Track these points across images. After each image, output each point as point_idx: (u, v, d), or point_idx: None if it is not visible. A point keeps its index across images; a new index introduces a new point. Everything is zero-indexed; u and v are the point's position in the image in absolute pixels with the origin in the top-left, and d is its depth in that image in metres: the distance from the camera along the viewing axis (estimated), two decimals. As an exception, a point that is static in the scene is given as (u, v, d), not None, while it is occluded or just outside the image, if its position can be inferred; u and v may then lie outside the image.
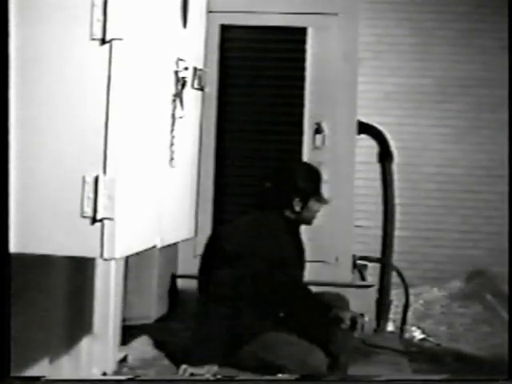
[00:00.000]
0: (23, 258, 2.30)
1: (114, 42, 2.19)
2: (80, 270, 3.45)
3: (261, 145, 4.84)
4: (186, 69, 2.67)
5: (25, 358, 2.90)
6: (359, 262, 4.96)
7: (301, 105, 4.76)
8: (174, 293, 4.78)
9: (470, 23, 6.88)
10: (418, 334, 5.22)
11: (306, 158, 4.75)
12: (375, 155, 5.13)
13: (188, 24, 2.70)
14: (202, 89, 2.85)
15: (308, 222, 3.80)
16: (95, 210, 2.19)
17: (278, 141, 4.82)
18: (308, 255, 3.93)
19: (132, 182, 2.30)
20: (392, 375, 3.80)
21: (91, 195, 2.19)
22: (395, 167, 5.17)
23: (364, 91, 5.65)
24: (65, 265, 3.24)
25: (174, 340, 4.15)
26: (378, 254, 5.11)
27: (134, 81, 2.27)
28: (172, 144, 2.61)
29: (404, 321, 5.12)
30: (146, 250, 2.50)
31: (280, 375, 3.42)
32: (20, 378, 2.65)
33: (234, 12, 4.73)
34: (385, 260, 5.07)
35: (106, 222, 2.19)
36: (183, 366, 3.56)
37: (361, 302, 4.75)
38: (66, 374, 3.33)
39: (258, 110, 4.85)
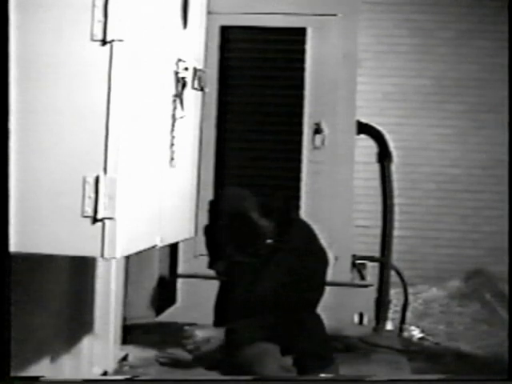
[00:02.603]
0: (23, 257, 2.31)
1: (114, 43, 2.20)
2: (81, 269, 3.47)
3: (261, 145, 4.85)
4: (186, 69, 2.68)
5: (25, 358, 2.91)
6: (358, 261, 4.98)
7: (300, 105, 4.76)
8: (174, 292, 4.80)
9: (469, 24, 6.89)
10: (416, 333, 5.23)
11: (305, 157, 4.76)
12: (374, 155, 5.14)
13: (188, 25, 2.71)
14: (202, 89, 2.86)
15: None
16: (96, 210, 2.20)
17: (277, 141, 4.83)
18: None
19: (132, 181, 2.31)
20: (391, 374, 3.82)
21: (92, 195, 2.20)
22: (394, 167, 5.18)
23: (363, 91, 5.66)
24: (65, 264, 3.25)
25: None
26: (377, 254, 5.12)
27: (134, 81, 2.28)
28: (172, 144, 2.62)
29: (403, 320, 5.13)
30: (146, 250, 2.51)
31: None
32: (20, 377, 2.66)
33: (233, 13, 4.74)
34: (384, 259, 5.08)
35: (106, 221, 2.20)
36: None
37: (360, 301, 4.77)
38: (67, 373, 3.34)
39: (258, 110, 4.85)
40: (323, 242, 3.80)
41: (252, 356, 3.47)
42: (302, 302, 3.65)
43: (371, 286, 4.92)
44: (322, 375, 3.46)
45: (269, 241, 3.53)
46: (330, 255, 3.82)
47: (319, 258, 3.75)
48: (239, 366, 3.48)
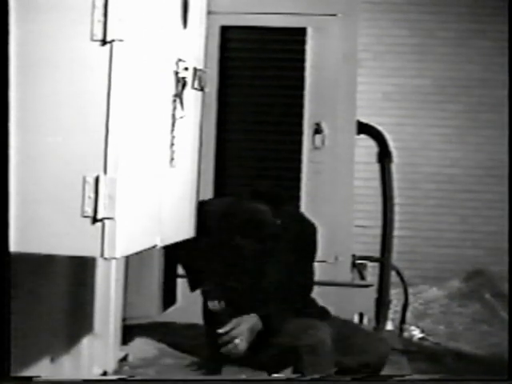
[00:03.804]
0: (24, 257, 2.31)
1: (114, 43, 2.20)
2: (81, 269, 3.47)
3: (261, 145, 4.85)
4: (187, 69, 2.68)
5: (25, 358, 2.91)
6: (358, 261, 4.98)
7: (300, 105, 4.77)
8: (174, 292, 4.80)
9: (469, 24, 6.90)
10: (417, 333, 5.24)
11: (305, 157, 4.76)
12: (375, 155, 5.14)
13: (188, 25, 2.71)
14: (202, 89, 2.86)
15: None
16: (96, 210, 2.20)
17: (277, 141, 4.83)
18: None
19: (132, 181, 2.31)
20: (391, 374, 3.81)
21: (92, 195, 2.20)
22: (395, 167, 5.18)
23: (363, 91, 5.67)
24: (65, 264, 3.25)
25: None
26: (377, 254, 5.12)
27: (134, 81, 2.28)
28: (172, 144, 2.62)
29: (403, 320, 5.13)
30: (146, 250, 2.51)
31: (278, 375, 3.42)
32: (20, 377, 2.66)
33: (233, 13, 4.74)
34: (384, 259, 5.08)
35: (106, 221, 2.20)
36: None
37: (360, 302, 4.77)
38: (67, 373, 3.34)
39: (258, 110, 4.86)
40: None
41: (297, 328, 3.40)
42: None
43: (371, 285, 4.92)
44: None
45: (278, 221, 3.50)
46: (319, 248, 3.79)
47: (312, 230, 3.74)
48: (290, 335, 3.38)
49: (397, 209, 5.17)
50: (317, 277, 4.36)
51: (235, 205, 3.57)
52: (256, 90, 4.85)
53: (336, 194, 4.70)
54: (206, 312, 3.61)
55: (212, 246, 3.51)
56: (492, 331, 5.30)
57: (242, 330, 3.34)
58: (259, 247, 3.47)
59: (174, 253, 3.79)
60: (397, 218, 5.17)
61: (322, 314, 3.64)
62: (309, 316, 3.54)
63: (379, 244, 5.12)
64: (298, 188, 4.75)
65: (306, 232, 3.70)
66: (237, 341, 3.32)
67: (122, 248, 2.25)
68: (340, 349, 3.39)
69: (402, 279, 5.13)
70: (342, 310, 4.58)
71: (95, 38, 2.20)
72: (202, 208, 3.29)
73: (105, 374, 3.71)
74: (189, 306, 4.50)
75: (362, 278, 5.00)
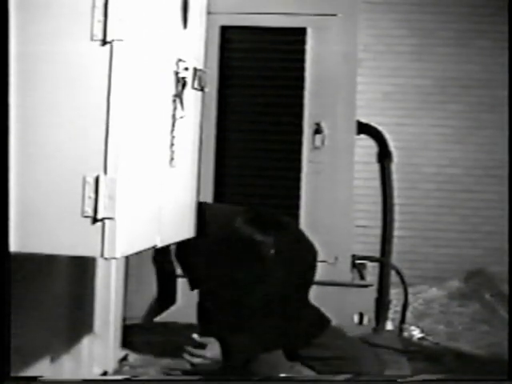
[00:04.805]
0: (24, 257, 2.31)
1: (114, 43, 2.20)
2: (81, 269, 3.47)
3: (261, 145, 4.85)
4: (187, 69, 2.68)
5: (25, 358, 2.92)
6: (358, 261, 4.97)
7: (300, 105, 4.76)
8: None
9: (470, 24, 6.90)
10: (416, 333, 5.24)
11: (305, 157, 4.76)
12: (375, 155, 5.14)
13: (188, 25, 2.72)
14: (202, 89, 2.86)
15: None
16: (96, 210, 2.20)
17: (277, 141, 4.83)
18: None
19: (132, 181, 2.31)
20: (391, 374, 3.81)
21: (92, 195, 2.21)
22: (395, 167, 5.18)
23: (363, 91, 5.67)
24: (66, 264, 3.25)
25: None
26: (377, 254, 5.12)
27: (134, 81, 2.28)
28: (172, 144, 2.62)
29: (403, 320, 5.13)
30: (146, 250, 2.51)
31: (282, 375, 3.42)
32: (21, 377, 2.66)
33: (233, 13, 4.74)
34: (384, 259, 5.08)
35: (106, 221, 2.20)
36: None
37: (360, 302, 4.77)
38: (67, 374, 3.34)
39: (258, 110, 4.85)
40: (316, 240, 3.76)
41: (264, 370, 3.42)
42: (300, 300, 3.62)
43: (371, 286, 4.92)
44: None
45: (272, 251, 3.44)
46: (319, 248, 3.74)
47: (311, 253, 3.70)
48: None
49: (397, 209, 5.17)
50: (317, 277, 4.36)
51: (233, 231, 3.46)
52: (256, 90, 4.85)
53: (336, 194, 4.70)
54: (200, 310, 3.61)
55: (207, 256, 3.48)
56: (492, 331, 5.30)
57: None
58: (250, 276, 3.44)
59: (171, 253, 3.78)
60: (397, 218, 5.17)
61: (322, 322, 3.63)
62: (307, 324, 3.54)
63: (379, 244, 5.12)
64: (297, 188, 4.75)
65: (304, 260, 3.62)
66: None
67: (122, 248, 2.25)
68: (336, 366, 3.39)
69: (401, 279, 5.13)
70: (341, 309, 4.59)
71: (95, 38, 2.20)
72: (202, 216, 3.25)
73: (105, 374, 3.71)
74: (189, 306, 4.50)
75: (362, 278, 5.00)
